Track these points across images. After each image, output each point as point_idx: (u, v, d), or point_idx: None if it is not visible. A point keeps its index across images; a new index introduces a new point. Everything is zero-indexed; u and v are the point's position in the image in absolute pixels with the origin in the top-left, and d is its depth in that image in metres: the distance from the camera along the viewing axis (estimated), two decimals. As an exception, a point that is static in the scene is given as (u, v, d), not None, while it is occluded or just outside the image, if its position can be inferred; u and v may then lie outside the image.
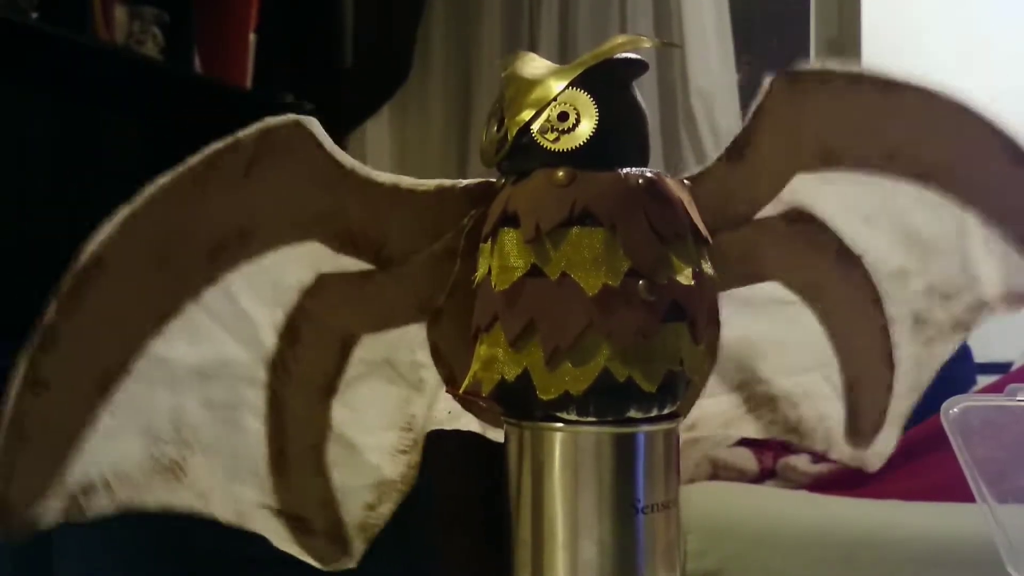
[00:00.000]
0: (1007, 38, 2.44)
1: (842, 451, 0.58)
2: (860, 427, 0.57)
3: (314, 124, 0.47)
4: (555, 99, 0.46)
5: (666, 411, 0.47)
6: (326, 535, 0.51)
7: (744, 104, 2.60)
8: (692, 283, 0.46)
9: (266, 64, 2.40)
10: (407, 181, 0.49)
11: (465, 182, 0.49)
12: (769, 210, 0.53)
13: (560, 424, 0.46)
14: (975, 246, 0.55)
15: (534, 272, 0.45)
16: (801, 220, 0.53)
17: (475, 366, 0.48)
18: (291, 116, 0.46)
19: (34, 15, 1.73)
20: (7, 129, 1.80)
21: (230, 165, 0.45)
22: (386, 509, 0.52)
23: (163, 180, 0.45)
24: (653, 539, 0.47)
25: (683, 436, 0.51)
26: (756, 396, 0.58)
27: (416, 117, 2.74)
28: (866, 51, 2.46)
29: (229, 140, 0.45)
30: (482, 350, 0.47)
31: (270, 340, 0.49)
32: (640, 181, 0.46)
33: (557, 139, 0.46)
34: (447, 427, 0.53)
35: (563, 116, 0.46)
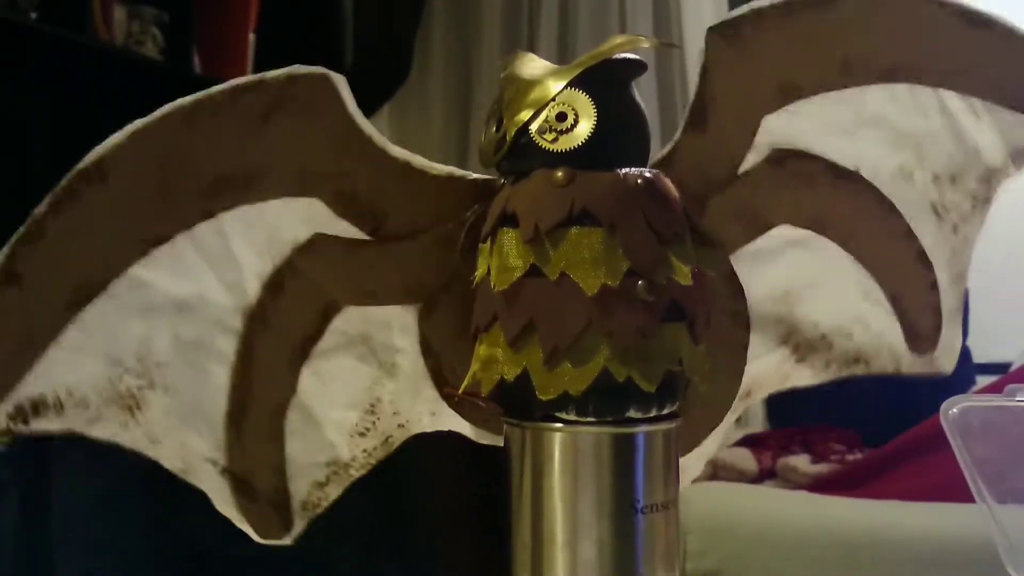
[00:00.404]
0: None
1: (912, 362, 0.56)
2: (919, 332, 0.55)
3: (341, 82, 0.47)
4: (553, 99, 0.46)
5: (665, 411, 0.47)
6: (269, 503, 0.49)
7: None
8: (691, 283, 0.46)
9: (266, 64, 2.40)
10: (419, 161, 0.49)
11: (475, 175, 0.50)
12: (750, 159, 0.52)
13: (559, 424, 0.46)
14: (962, 119, 0.54)
15: (533, 272, 0.45)
16: (785, 157, 0.52)
17: (474, 366, 0.48)
18: (319, 69, 0.46)
19: (33, 15, 1.73)
20: (7, 129, 1.80)
21: (251, 105, 0.45)
22: (333, 491, 0.51)
23: (182, 102, 0.44)
24: (652, 539, 0.47)
25: (738, 405, 0.51)
26: (805, 342, 0.56)
27: (416, 117, 2.74)
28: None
29: (255, 78, 0.45)
30: (481, 350, 0.47)
31: (253, 289, 0.48)
32: (639, 181, 0.46)
33: (556, 139, 0.46)
34: (430, 430, 0.53)
35: (561, 116, 0.46)
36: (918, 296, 0.55)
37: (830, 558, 1.49)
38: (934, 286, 0.55)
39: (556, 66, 0.48)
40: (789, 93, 0.52)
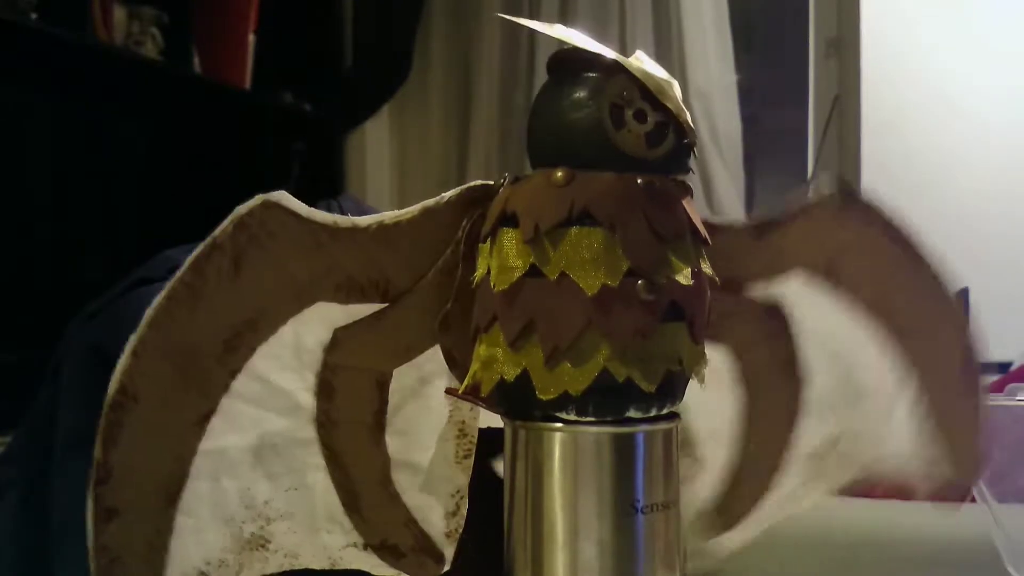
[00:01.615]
0: (1007, 38, 2.44)
1: (691, 532, 0.59)
2: (728, 510, 0.58)
3: (283, 196, 0.47)
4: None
5: (665, 411, 0.47)
6: (417, 552, 0.52)
7: (744, 104, 2.61)
8: (691, 283, 0.46)
9: (265, 64, 2.40)
10: (390, 215, 0.49)
11: (448, 195, 0.49)
12: (758, 291, 0.54)
13: (559, 424, 0.46)
14: (900, 415, 0.57)
15: (533, 272, 0.45)
16: (777, 318, 0.54)
17: (474, 366, 0.48)
18: (258, 198, 0.47)
19: (33, 15, 1.73)
20: (7, 129, 1.80)
21: (217, 268, 0.46)
22: (465, 510, 0.53)
23: (158, 301, 0.46)
24: (653, 539, 0.47)
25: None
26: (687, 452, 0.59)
27: (416, 117, 2.74)
28: (865, 51, 2.46)
29: (207, 244, 0.46)
30: (481, 350, 0.47)
31: (308, 402, 0.50)
32: (639, 181, 0.46)
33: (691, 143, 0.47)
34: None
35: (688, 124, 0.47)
36: (750, 489, 0.58)
37: (830, 558, 1.48)
38: (759, 500, 0.58)
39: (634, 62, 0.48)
40: (828, 274, 0.55)
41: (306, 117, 2.56)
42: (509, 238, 0.46)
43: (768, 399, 0.56)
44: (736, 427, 0.57)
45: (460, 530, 0.53)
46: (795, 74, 2.56)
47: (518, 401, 0.47)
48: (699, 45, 2.54)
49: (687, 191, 0.48)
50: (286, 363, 0.49)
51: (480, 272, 0.47)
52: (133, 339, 0.45)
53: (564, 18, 2.57)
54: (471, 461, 0.53)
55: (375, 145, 2.72)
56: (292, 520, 0.51)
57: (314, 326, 0.49)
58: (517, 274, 0.45)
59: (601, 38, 0.48)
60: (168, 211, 2.09)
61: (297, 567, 0.51)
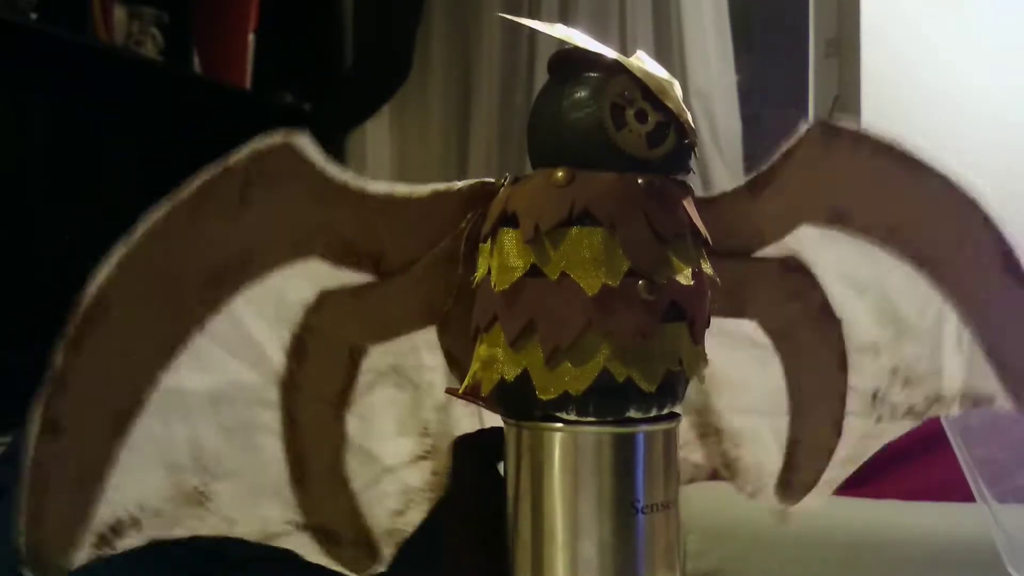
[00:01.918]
0: (1007, 38, 2.44)
1: (769, 500, 0.60)
2: (793, 483, 0.58)
3: (304, 141, 0.46)
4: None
5: (666, 411, 0.47)
6: (355, 544, 0.51)
7: (744, 104, 2.61)
8: (692, 283, 0.46)
9: (265, 64, 2.40)
10: (401, 189, 0.48)
11: (460, 184, 0.49)
12: (769, 251, 0.53)
13: (559, 424, 0.46)
14: (948, 340, 0.56)
15: (533, 272, 0.45)
16: (796, 271, 0.54)
17: (474, 366, 0.48)
18: (279, 135, 0.46)
19: (33, 15, 1.73)
20: (6, 129, 1.80)
21: (223, 193, 0.45)
22: (414, 515, 0.52)
23: (157, 215, 0.45)
24: (653, 539, 0.47)
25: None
26: (706, 424, 0.59)
27: (416, 117, 2.74)
28: (865, 51, 2.46)
29: (220, 167, 0.45)
30: (481, 350, 0.47)
31: (278, 359, 0.49)
32: (639, 181, 0.46)
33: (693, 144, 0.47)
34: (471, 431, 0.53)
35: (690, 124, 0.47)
36: (814, 453, 0.57)
37: (830, 558, 1.48)
38: (831, 454, 0.57)
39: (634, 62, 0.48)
40: (836, 218, 0.54)
41: (306, 117, 2.56)
42: (509, 238, 0.46)
43: (808, 358, 0.55)
44: (783, 394, 0.56)
45: (407, 533, 0.52)
46: (795, 74, 2.56)
47: (518, 401, 0.47)
48: (699, 45, 2.54)
49: (688, 191, 0.48)
50: (265, 313, 0.48)
51: (480, 272, 0.47)
52: (121, 250, 0.44)
53: (564, 18, 2.57)
54: (432, 464, 0.52)
55: (375, 145, 2.72)
56: (237, 482, 0.49)
57: (301, 282, 0.48)
58: (517, 274, 0.45)
59: (601, 38, 0.48)
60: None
61: (230, 534, 0.49)
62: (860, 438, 0.58)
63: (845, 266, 0.54)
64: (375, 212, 0.48)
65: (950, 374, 0.57)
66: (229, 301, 0.47)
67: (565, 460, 0.46)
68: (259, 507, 0.50)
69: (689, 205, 0.48)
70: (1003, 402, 0.58)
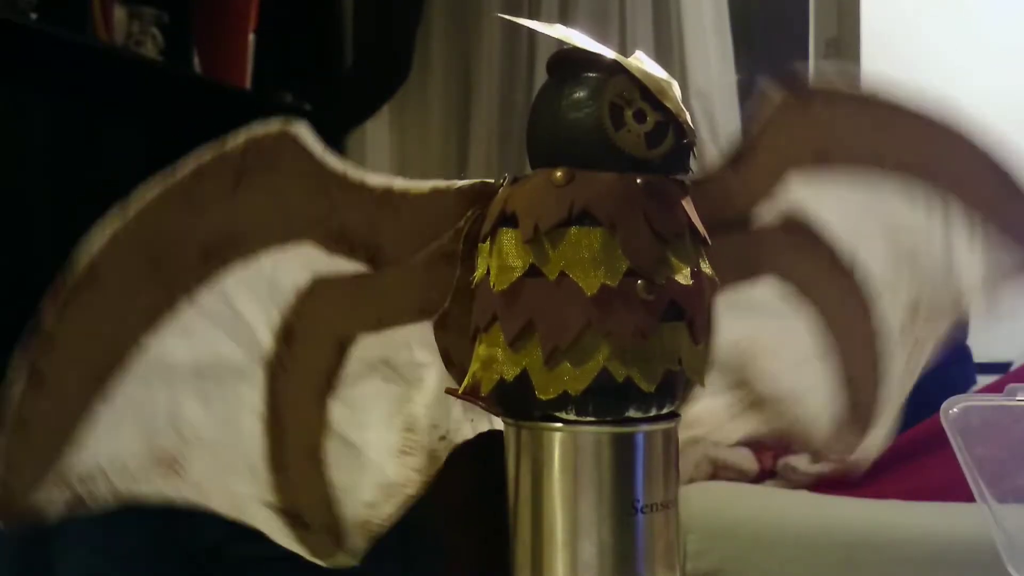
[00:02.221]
0: (1007, 38, 2.44)
1: (835, 451, 0.60)
2: (858, 420, 0.58)
3: (301, 129, 0.47)
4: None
5: (665, 411, 0.47)
6: (325, 531, 0.51)
7: (744, 104, 2.61)
8: (691, 283, 0.46)
9: (265, 64, 2.40)
10: (400, 183, 0.48)
11: (460, 183, 0.49)
12: (766, 212, 0.54)
13: (559, 424, 0.46)
14: (959, 246, 0.56)
15: (533, 272, 0.45)
16: (797, 232, 0.54)
17: (474, 366, 0.48)
18: (278, 122, 0.46)
19: (33, 16, 1.73)
20: (6, 129, 1.80)
21: (218, 176, 0.46)
22: (389, 509, 0.52)
23: (152, 191, 0.45)
24: (652, 539, 0.47)
25: (683, 435, 0.51)
26: (752, 395, 0.58)
27: (416, 117, 2.74)
28: (865, 51, 2.46)
29: (216, 151, 0.45)
30: (481, 350, 0.47)
31: (266, 340, 0.49)
32: (638, 181, 0.46)
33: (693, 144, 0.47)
34: (472, 436, 0.53)
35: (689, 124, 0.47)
36: (867, 389, 0.58)
37: (830, 558, 1.48)
38: (878, 389, 0.58)
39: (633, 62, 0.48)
40: (820, 157, 0.54)
41: (306, 117, 2.56)
42: (508, 238, 0.46)
43: (835, 301, 0.56)
44: (822, 341, 0.56)
45: (380, 527, 0.52)
46: (795, 74, 2.55)
47: (518, 401, 0.47)
48: (699, 45, 2.54)
49: (686, 191, 0.48)
50: (257, 293, 0.48)
51: (479, 272, 0.47)
52: (115, 223, 0.45)
53: (564, 18, 2.57)
54: (414, 461, 0.52)
55: (375, 145, 2.72)
56: (211, 454, 0.49)
57: (294, 266, 0.48)
58: (517, 274, 0.45)
59: (601, 38, 0.48)
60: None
61: (199, 503, 0.49)
62: (899, 374, 0.58)
63: (841, 205, 0.55)
64: (373, 204, 0.48)
65: (970, 262, 0.57)
66: (220, 276, 0.47)
67: (565, 460, 0.46)
68: (232, 482, 0.50)
69: (688, 205, 0.48)
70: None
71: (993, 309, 0.59)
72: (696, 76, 2.53)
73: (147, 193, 0.45)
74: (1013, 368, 2.00)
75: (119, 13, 1.99)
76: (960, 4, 2.46)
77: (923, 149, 0.55)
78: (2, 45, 1.70)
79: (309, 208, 0.47)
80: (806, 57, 2.55)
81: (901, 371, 0.59)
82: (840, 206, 0.54)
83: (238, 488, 0.50)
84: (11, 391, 0.44)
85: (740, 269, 0.53)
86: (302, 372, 0.49)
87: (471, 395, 0.48)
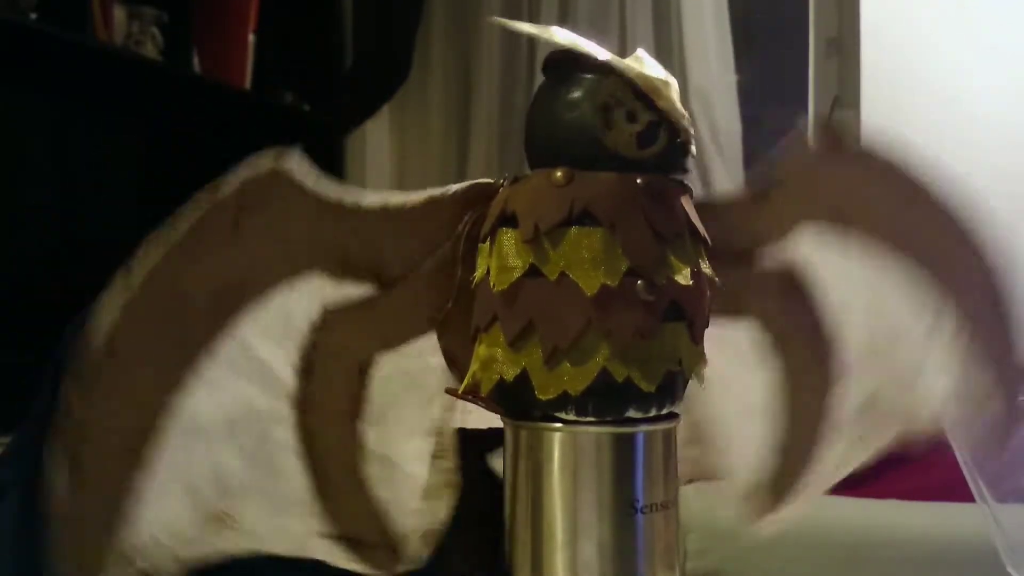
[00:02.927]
0: (1007, 38, 2.44)
1: (742, 511, 0.59)
2: (775, 490, 0.57)
3: (291, 162, 0.47)
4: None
5: (665, 411, 0.47)
6: (380, 546, 0.52)
7: (744, 104, 2.61)
8: (691, 283, 0.46)
9: (265, 64, 2.40)
10: (395, 199, 0.49)
11: (455, 187, 0.49)
12: (769, 255, 0.54)
13: (559, 424, 0.46)
14: (938, 354, 0.57)
15: (533, 272, 0.45)
16: (793, 288, 0.54)
17: (474, 366, 0.48)
18: (267, 160, 0.46)
19: (33, 16, 1.73)
20: (6, 129, 1.80)
21: (216, 226, 0.46)
22: (439, 511, 0.53)
23: (153, 253, 0.45)
24: (652, 539, 0.47)
25: None
26: (691, 431, 0.58)
27: (416, 117, 2.74)
28: (865, 51, 2.46)
29: (209, 200, 0.45)
30: (481, 350, 0.47)
31: (289, 378, 0.49)
32: (638, 181, 0.46)
33: (689, 143, 0.47)
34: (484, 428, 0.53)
35: (688, 123, 0.47)
36: (799, 463, 0.57)
37: (830, 558, 1.48)
38: (815, 463, 0.57)
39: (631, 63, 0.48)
40: (838, 217, 0.54)
41: (306, 117, 2.56)
42: (508, 238, 0.46)
43: (801, 368, 0.55)
44: (774, 400, 0.56)
45: (435, 529, 0.52)
46: (795, 74, 2.56)
47: (518, 401, 0.47)
48: (699, 45, 2.54)
49: (686, 191, 0.48)
50: (271, 333, 0.48)
51: (480, 272, 0.47)
52: (124, 295, 0.45)
53: (564, 18, 2.56)
54: (446, 462, 0.53)
55: (375, 145, 2.72)
56: (260, 499, 0.49)
57: (304, 300, 0.48)
58: (517, 274, 0.45)
59: (601, 38, 0.48)
60: (168, 211, 2.08)
61: (258, 549, 0.50)
62: (833, 465, 0.59)
63: (847, 279, 0.55)
64: (372, 224, 0.48)
65: (937, 383, 0.58)
66: (234, 324, 0.47)
67: (564, 460, 0.46)
68: (284, 521, 0.50)
69: (688, 205, 0.48)
70: (995, 403, 0.58)
71: (952, 430, 0.59)
72: (696, 76, 2.53)
73: (148, 255, 0.45)
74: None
75: (119, 13, 1.99)
76: (960, 4, 2.46)
77: (938, 244, 0.55)
78: (2, 45, 1.70)
79: (310, 240, 0.48)
80: (806, 57, 2.55)
81: (834, 461, 0.58)
82: (840, 272, 0.55)
83: (292, 526, 0.51)
84: (54, 484, 0.44)
85: (728, 304, 0.52)
86: (328, 403, 0.50)
87: (471, 395, 0.49)
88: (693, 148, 0.47)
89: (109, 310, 0.45)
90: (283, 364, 0.49)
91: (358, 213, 0.48)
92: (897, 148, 0.53)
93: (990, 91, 2.40)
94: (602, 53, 0.47)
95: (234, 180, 0.46)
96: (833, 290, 0.55)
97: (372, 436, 0.51)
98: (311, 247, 0.48)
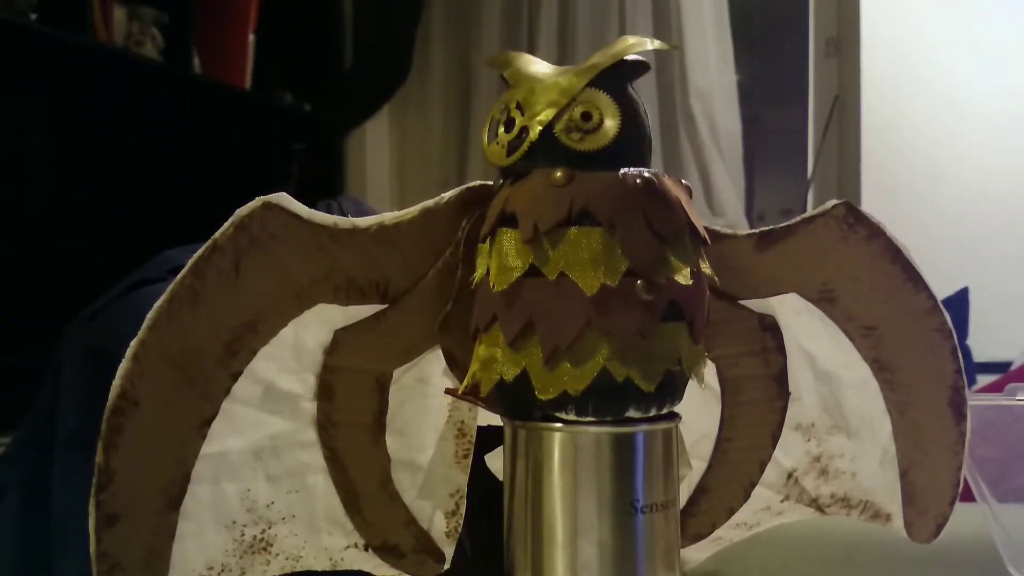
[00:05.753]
0: (1007, 38, 2.44)
1: None
2: (687, 528, 0.57)
3: (284, 198, 0.47)
4: (575, 99, 0.46)
5: (665, 411, 0.47)
6: (417, 552, 0.52)
7: (744, 104, 2.61)
8: (690, 283, 0.46)
9: (265, 64, 2.40)
10: (390, 216, 0.49)
11: (448, 195, 0.49)
12: (752, 304, 0.54)
13: (559, 424, 0.46)
14: (874, 451, 0.58)
15: (532, 272, 0.45)
16: (770, 330, 0.54)
17: (474, 366, 0.48)
18: (258, 200, 0.46)
19: (33, 16, 1.73)
20: (6, 129, 1.80)
21: (218, 270, 0.46)
22: (464, 510, 0.53)
23: (160, 304, 0.45)
24: (652, 539, 0.47)
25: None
26: None
27: (416, 117, 2.74)
28: (865, 51, 2.46)
29: (208, 246, 0.46)
30: (481, 350, 0.47)
31: (309, 404, 0.49)
32: (638, 181, 0.46)
33: (582, 139, 0.46)
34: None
35: (587, 116, 0.46)
36: (717, 506, 0.58)
37: (830, 558, 1.48)
38: (731, 513, 0.58)
39: (563, 67, 0.48)
40: (825, 297, 0.55)
41: (306, 117, 2.56)
42: (508, 238, 0.46)
43: (752, 410, 0.56)
44: (710, 446, 0.56)
45: (459, 529, 0.53)
46: (795, 74, 2.56)
47: (517, 401, 0.47)
48: (699, 45, 2.54)
49: (687, 191, 0.48)
50: (286, 365, 0.49)
51: (479, 272, 0.47)
52: (134, 343, 0.45)
53: (564, 18, 2.57)
54: (469, 461, 0.53)
55: (375, 145, 2.73)
56: (293, 522, 0.50)
57: (314, 328, 0.49)
58: (516, 274, 0.45)
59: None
60: (168, 211, 2.09)
61: (299, 569, 0.51)
62: (762, 509, 0.59)
63: (814, 344, 0.55)
64: (369, 244, 0.48)
65: (864, 483, 0.59)
66: (249, 365, 0.48)
67: (564, 460, 0.46)
68: (320, 539, 0.51)
69: (688, 205, 0.48)
70: (898, 525, 0.60)
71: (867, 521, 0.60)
72: (696, 76, 2.54)
73: (157, 307, 0.45)
74: (1013, 368, 2.00)
75: (119, 13, 1.99)
76: (960, 4, 2.46)
77: (906, 356, 0.56)
78: (2, 45, 1.70)
79: (311, 269, 0.48)
80: (806, 57, 2.55)
81: (742, 521, 0.59)
82: (812, 339, 0.55)
83: (328, 543, 0.51)
84: (90, 533, 0.45)
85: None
86: (350, 422, 0.50)
87: (471, 395, 0.49)
88: (577, 141, 0.46)
89: (123, 361, 0.45)
90: (302, 392, 0.49)
91: (354, 234, 0.48)
92: (895, 239, 0.54)
93: (990, 91, 2.40)
94: (519, 65, 0.48)
95: (229, 224, 0.46)
96: (802, 354, 0.56)
97: (396, 445, 0.51)
98: (313, 275, 0.48)
